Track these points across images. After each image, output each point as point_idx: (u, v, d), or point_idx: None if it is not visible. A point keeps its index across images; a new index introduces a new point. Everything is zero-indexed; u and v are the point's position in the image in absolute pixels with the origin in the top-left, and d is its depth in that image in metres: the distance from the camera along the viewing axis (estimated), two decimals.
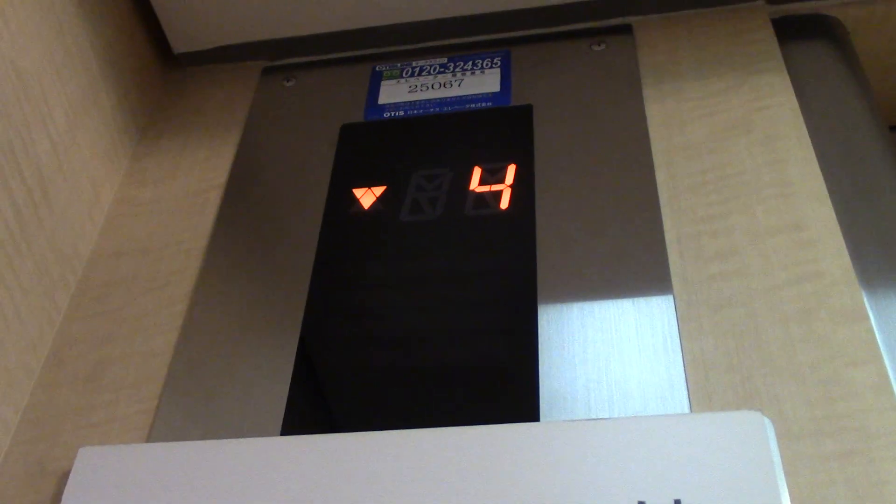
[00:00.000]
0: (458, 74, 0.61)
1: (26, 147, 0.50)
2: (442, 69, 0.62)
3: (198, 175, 0.59)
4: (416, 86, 0.61)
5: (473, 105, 0.59)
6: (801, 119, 0.53)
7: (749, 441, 0.38)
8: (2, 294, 0.47)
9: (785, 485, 0.37)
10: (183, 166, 0.60)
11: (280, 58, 0.65)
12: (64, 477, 0.44)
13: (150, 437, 0.45)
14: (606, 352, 0.44)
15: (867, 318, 0.43)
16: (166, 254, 0.54)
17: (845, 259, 0.46)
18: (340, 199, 0.54)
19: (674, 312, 0.45)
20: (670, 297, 0.46)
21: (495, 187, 0.53)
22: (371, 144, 0.58)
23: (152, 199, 0.58)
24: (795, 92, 0.55)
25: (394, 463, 0.41)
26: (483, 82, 0.60)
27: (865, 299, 0.44)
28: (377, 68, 0.63)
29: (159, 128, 0.63)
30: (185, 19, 0.64)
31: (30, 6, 0.52)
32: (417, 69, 0.62)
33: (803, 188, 0.50)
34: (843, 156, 0.53)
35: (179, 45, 0.66)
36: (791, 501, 0.37)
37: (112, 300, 0.53)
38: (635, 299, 0.46)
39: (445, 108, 0.59)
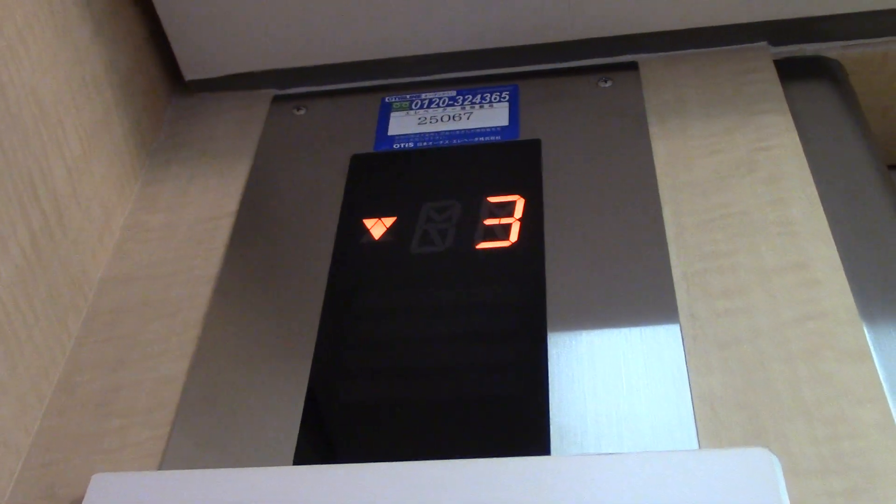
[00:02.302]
0: (467, 107, 0.62)
1: (43, 174, 0.51)
2: (451, 102, 0.63)
3: (209, 202, 0.59)
4: (426, 118, 0.62)
5: (482, 138, 0.60)
6: (803, 159, 0.54)
7: (758, 478, 0.39)
8: (16, 319, 0.47)
9: None
10: (193, 193, 0.60)
11: (290, 87, 0.66)
12: (75, 503, 0.44)
13: (163, 464, 0.45)
14: (616, 385, 0.45)
15: (870, 356, 0.44)
16: (177, 280, 0.55)
17: (849, 298, 0.47)
18: (351, 228, 0.55)
19: (681, 348, 0.46)
20: (678, 333, 0.47)
21: (504, 220, 0.54)
22: (381, 175, 0.59)
23: (162, 225, 0.59)
24: (797, 132, 0.56)
25: (404, 494, 0.41)
26: (492, 116, 0.61)
27: (868, 338, 0.45)
28: (386, 99, 0.64)
29: (169, 154, 0.64)
30: (196, 47, 0.65)
31: (49, 34, 0.53)
32: (426, 101, 0.63)
33: (807, 227, 0.51)
34: (844, 195, 0.54)
35: (190, 73, 0.66)
36: None
37: (123, 326, 0.53)
38: (643, 334, 0.47)
39: (454, 141, 0.60)
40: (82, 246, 0.54)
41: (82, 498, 0.43)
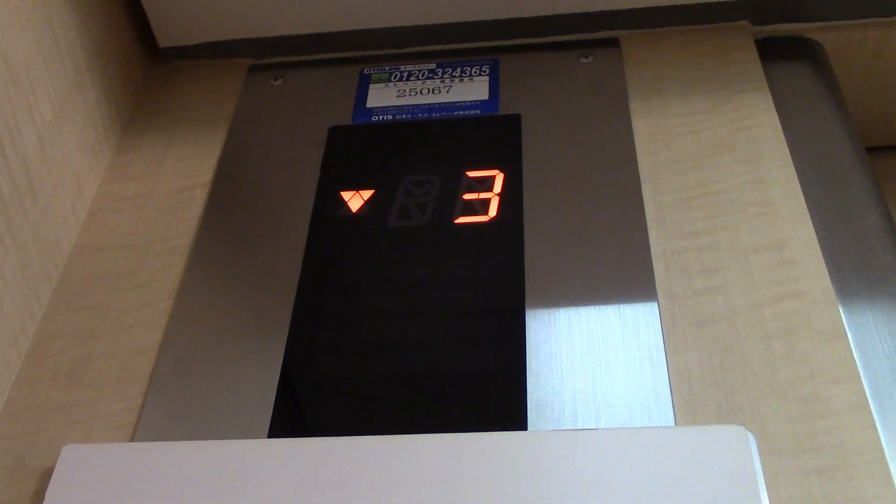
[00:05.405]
0: (447, 81, 0.61)
1: (13, 138, 0.49)
2: (431, 75, 0.62)
3: (183, 172, 0.58)
4: (405, 90, 0.61)
5: (462, 112, 0.59)
6: (783, 139, 0.55)
7: (733, 455, 0.39)
8: None
9: (767, 499, 0.38)
10: (168, 162, 0.59)
11: (267, 56, 0.65)
12: (45, 474, 0.44)
13: (135, 437, 0.45)
14: (593, 362, 0.45)
15: (845, 337, 0.45)
16: (150, 250, 0.54)
17: (825, 278, 0.47)
18: (328, 200, 0.55)
19: (659, 325, 0.46)
20: (656, 310, 0.47)
21: (483, 195, 0.54)
22: (359, 147, 0.58)
23: (136, 194, 0.58)
24: (776, 112, 0.56)
25: (380, 468, 0.41)
26: (472, 90, 0.60)
27: (844, 318, 0.46)
28: (365, 71, 0.63)
29: (144, 122, 0.63)
30: (172, 13, 0.64)
31: None
32: (406, 74, 0.62)
33: (785, 207, 0.51)
34: (822, 176, 0.55)
35: (165, 40, 0.65)
36: None
37: (95, 295, 0.52)
38: (622, 311, 0.47)
39: (434, 114, 0.59)
40: (53, 214, 0.53)
41: (52, 469, 0.42)
